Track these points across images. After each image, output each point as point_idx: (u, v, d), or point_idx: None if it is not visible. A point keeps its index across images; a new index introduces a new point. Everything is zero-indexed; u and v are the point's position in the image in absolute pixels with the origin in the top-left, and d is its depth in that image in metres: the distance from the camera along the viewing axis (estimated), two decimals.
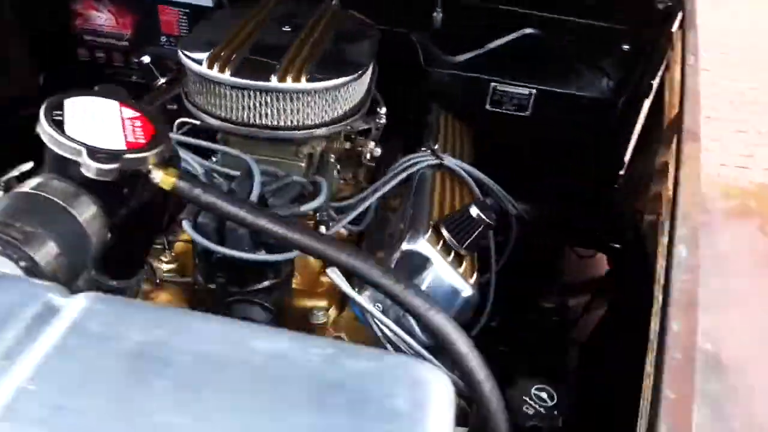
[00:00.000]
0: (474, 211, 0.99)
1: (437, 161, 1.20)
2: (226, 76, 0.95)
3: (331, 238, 0.84)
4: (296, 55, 1.03)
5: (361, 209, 1.07)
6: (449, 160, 1.21)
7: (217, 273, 0.89)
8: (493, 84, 1.55)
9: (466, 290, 1.00)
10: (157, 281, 0.98)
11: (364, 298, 0.97)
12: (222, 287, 0.90)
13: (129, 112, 0.54)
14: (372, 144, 1.21)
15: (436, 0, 1.51)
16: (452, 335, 0.64)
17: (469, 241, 1.00)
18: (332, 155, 1.07)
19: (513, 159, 1.58)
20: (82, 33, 1.65)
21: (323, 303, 1.00)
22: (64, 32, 1.63)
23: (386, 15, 1.56)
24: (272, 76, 0.95)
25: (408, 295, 0.66)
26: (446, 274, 0.99)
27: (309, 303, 1.00)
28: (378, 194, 1.12)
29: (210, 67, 0.96)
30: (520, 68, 1.56)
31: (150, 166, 0.55)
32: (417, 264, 0.99)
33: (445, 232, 1.01)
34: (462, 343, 0.64)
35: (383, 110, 1.42)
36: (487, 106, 1.58)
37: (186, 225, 0.86)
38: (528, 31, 1.54)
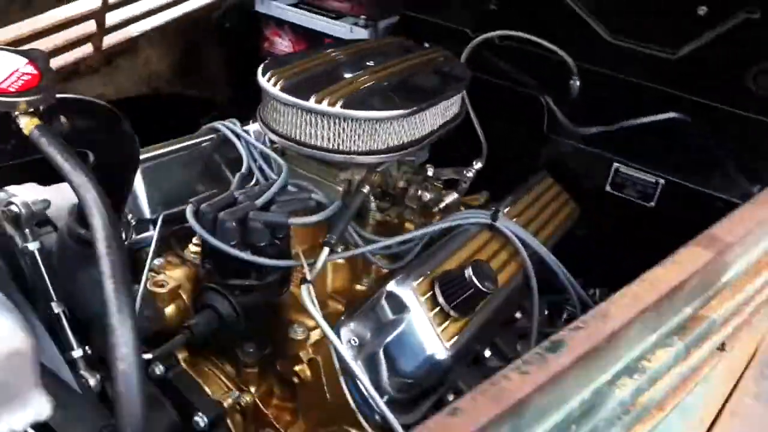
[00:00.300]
0: (468, 273, 0.92)
1: (488, 221, 1.13)
2: (276, 90, 1.04)
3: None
4: (350, 83, 1.08)
5: (379, 245, 1.07)
6: (504, 223, 1.14)
7: (206, 258, 0.97)
8: (616, 164, 1.41)
9: (439, 351, 0.93)
10: (185, 260, 1.10)
11: (342, 332, 0.97)
12: (208, 273, 0.98)
13: (29, 68, 0.64)
14: (429, 194, 1.19)
15: (574, 67, 1.43)
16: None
17: (457, 301, 0.93)
18: (367, 185, 1.08)
19: (619, 248, 1.41)
20: (268, 54, 1.92)
21: (308, 321, 1.01)
22: (254, 53, 1.91)
23: (522, 75, 1.53)
24: (312, 97, 1.02)
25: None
26: (422, 327, 0.93)
27: (294, 316, 1.02)
28: (408, 236, 1.10)
29: (268, 80, 1.06)
30: (652, 153, 1.39)
31: (17, 112, 0.65)
32: (396, 308, 0.95)
33: (436, 287, 0.95)
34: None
35: (478, 165, 1.39)
36: (607, 188, 1.43)
37: (188, 210, 0.96)
38: (673, 115, 1.37)
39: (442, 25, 1.61)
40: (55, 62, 1.38)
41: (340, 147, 1.04)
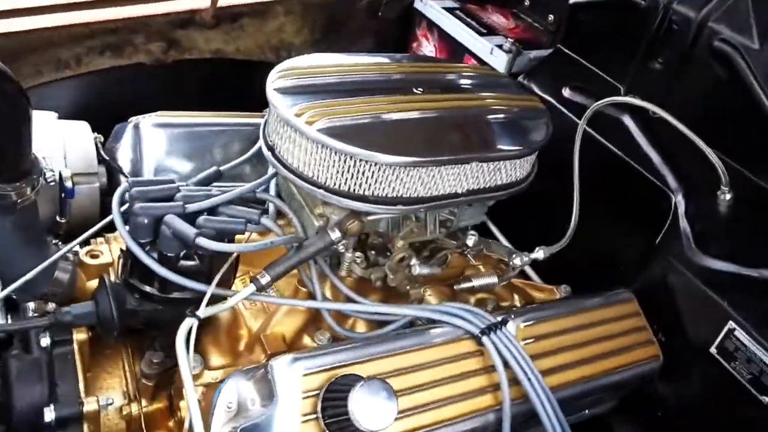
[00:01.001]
0: (352, 395, 0.68)
1: (475, 331, 0.85)
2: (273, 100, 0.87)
3: None
4: (360, 104, 0.86)
5: (328, 305, 0.86)
6: (501, 341, 0.84)
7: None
8: (732, 324, 0.98)
9: None
10: None
11: (224, 390, 0.79)
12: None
13: None
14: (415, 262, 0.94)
15: (725, 175, 1.02)
16: None
17: (329, 418, 0.70)
18: (340, 231, 0.86)
19: None
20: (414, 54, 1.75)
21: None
22: (401, 50, 1.75)
23: (657, 159, 1.15)
24: (293, 108, 0.83)
25: None
26: (279, 422, 0.71)
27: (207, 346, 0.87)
28: (358, 307, 0.87)
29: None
30: None
31: None
32: (265, 387, 0.74)
33: (321, 391, 0.72)
34: None
35: (539, 254, 1.07)
36: (712, 349, 1.01)
37: (120, 188, 0.85)
38: None
39: (595, 72, 1.28)
40: (165, 6, 1.37)
41: (316, 177, 0.85)
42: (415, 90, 0.95)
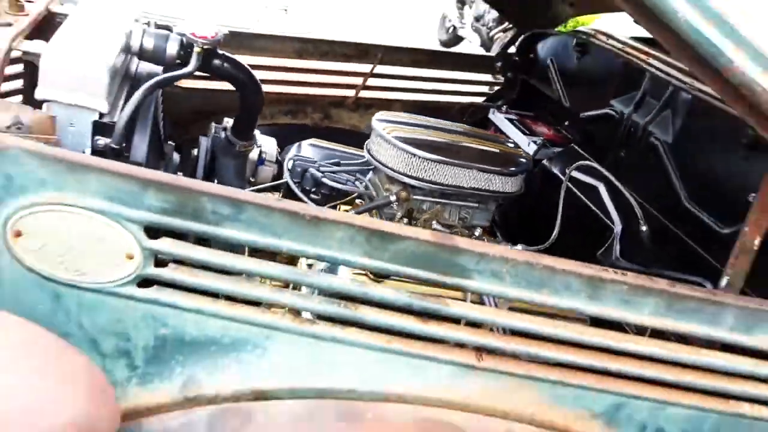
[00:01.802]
0: None
1: None
2: (374, 124, 1.64)
3: None
4: (421, 128, 1.61)
5: None
6: None
7: None
8: None
9: None
10: None
11: None
12: None
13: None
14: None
15: (640, 213, 1.61)
16: None
17: None
18: (395, 196, 1.56)
19: None
20: None
21: None
22: None
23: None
24: (382, 128, 1.59)
25: None
26: None
27: None
28: None
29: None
30: None
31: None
32: None
33: None
34: None
35: (478, 232, 1.68)
36: None
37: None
38: (701, 282, 1.43)
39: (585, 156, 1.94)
40: (327, 91, 2.25)
41: (387, 163, 1.59)
42: (457, 132, 1.69)
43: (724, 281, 1.11)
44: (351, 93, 2.25)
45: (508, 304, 1.29)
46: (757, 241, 1.08)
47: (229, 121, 1.69)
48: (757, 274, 1.13)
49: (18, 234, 0.96)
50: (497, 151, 1.73)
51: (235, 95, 1.53)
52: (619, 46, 1.85)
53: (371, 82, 2.21)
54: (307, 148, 1.90)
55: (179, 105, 1.89)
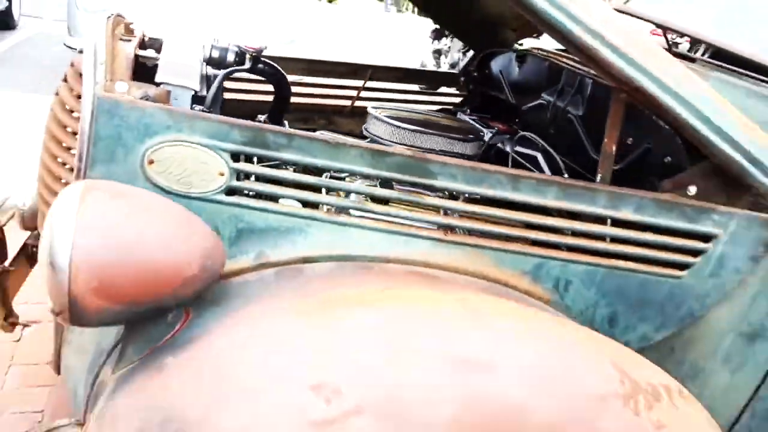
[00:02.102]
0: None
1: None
2: (370, 109, 2.27)
3: None
4: (405, 111, 2.24)
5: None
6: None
7: None
8: None
9: None
10: None
11: None
12: None
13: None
14: None
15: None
16: None
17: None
18: None
19: None
20: None
21: None
22: None
23: None
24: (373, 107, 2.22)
25: None
26: None
27: None
28: None
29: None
30: None
31: None
32: None
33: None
34: None
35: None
36: None
37: None
38: None
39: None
40: (329, 101, 2.89)
41: (373, 133, 2.21)
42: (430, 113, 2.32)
43: (598, 177, 1.72)
44: (348, 103, 2.90)
45: (463, 196, 1.85)
46: (613, 149, 1.70)
47: (261, 117, 2.31)
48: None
49: (151, 162, 1.55)
50: (460, 126, 2.37)
51: (259, 104, 2.17)
52: (544, 54, 2.53)
53: (364, 94, 2.86)
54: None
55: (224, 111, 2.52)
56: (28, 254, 2.15)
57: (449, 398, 1.15)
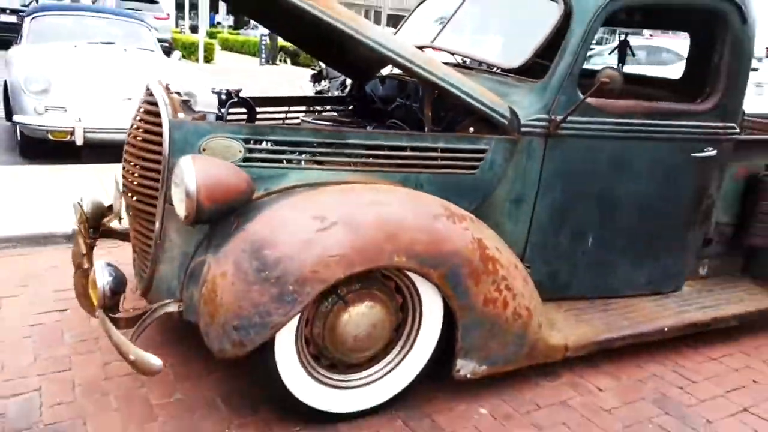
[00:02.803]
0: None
1: None
2: None
3: None
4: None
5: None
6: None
7: None
8: None
9: None
10: None
11: None
12: None
13: None
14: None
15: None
16: None
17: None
18: None
19: None
20: None
21: None
22: None
23: None
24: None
25: None
26: None
27: None
28: None
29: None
30: None
31: None
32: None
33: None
34: None
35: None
36: None
37: None
38: None
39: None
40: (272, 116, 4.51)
41: None
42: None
43: (426, 130, 3.49)
44: (284, 114, 4.54)
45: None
46: (430, 116, 3.48)
47: None
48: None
49: (204, 149, 3.13)
50: (356, 122, 4.08)
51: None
52: (395, 75, 4.31)
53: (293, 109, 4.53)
54: None
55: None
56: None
57: (371, 215, 2.85)
